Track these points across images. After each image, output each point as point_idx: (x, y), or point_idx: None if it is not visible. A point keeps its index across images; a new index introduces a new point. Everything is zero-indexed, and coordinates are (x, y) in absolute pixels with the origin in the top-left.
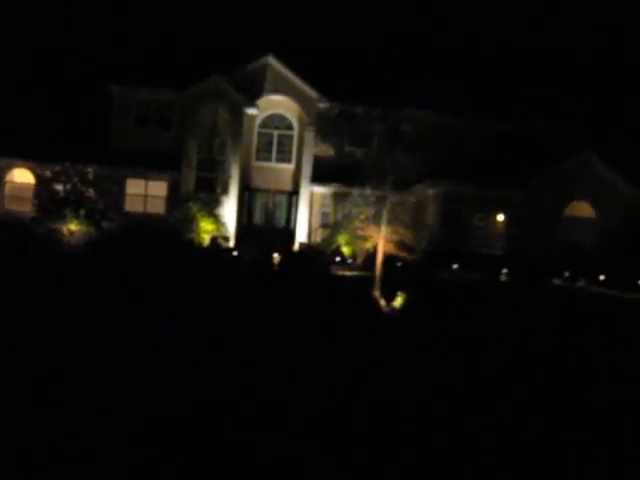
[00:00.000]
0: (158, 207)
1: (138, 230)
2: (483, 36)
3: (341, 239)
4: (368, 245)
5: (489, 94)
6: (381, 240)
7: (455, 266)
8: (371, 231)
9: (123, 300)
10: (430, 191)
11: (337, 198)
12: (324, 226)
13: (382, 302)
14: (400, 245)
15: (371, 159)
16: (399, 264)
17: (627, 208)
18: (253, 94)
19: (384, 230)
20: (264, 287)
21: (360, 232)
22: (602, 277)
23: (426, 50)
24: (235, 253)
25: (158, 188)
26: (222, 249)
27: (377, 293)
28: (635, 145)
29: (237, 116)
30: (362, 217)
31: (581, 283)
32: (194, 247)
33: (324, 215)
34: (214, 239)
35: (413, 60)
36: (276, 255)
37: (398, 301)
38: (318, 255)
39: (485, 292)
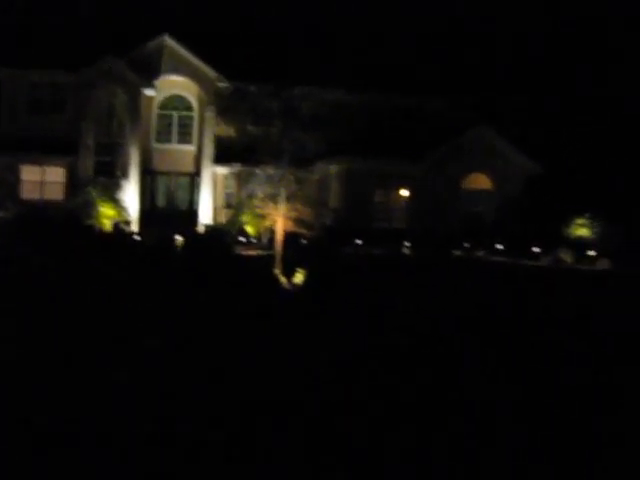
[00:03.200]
0: (57, 193)
1: (35, 217)
2: (379, 13)
3: (245, 219)
4: (267, 223)
5: (385, 70)
6: (280, 218)
7: (358, 241)
8: (270, 209)
9: (17, 286)
10: (332, 168)
11: (240, 178)
12: (228, 207)
13: (283, 279)
14: (300, 222)
15: (270, 138)
16: (304, 242)
17: (524, 179)
18: (150, 75)
19: (282, 208)
20: (165, 269)
21: (259, 211)
22: (500, 246)
23: (320, 26)
24: (137, 237)
25: (55, 174)
26: (124, 234)
27: (278, 271)
28: (532, 118)
29: (135, 98)
30: (261, 196)
31: (480, 253)
32: (94, 232)
33: (228, 196)
34: (116, 224)
35: (308, 37)
36: (179, 237)
37: (299, 277)
38: (222, 236)
39: (387, 265)
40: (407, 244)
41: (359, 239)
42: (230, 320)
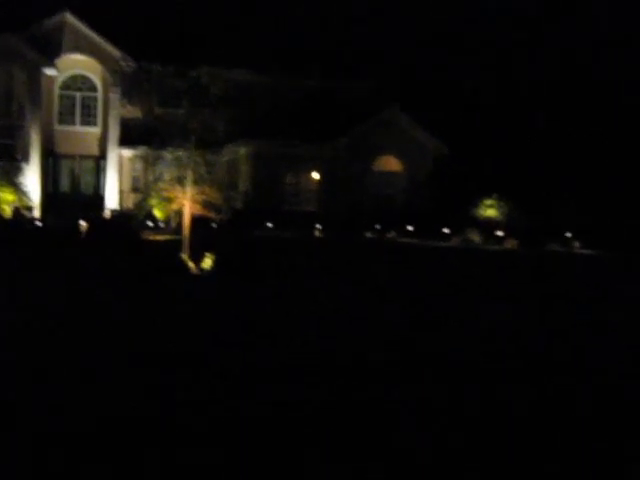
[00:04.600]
0: None
1: None
2: None
3: (152, 203)
4: (175, 207)
5: (295, 52)
6: (187, 201)
7: (269, 224)
8: (177, 193)
9: None
10: (241, 150)
11: (147, 161)
12: (135, 190)
13: (191, 264)
14: (209, 206)
15: (177, 119)
16: (213, 225)
17: (433, 161)
18: (51, 54)
19: (190, 191)
20: (69, 256)
21: (166, 194)
22: (410, 228)
23: (228, 6)
24: (40, 223)
25: None
26: (25, 219)
27: (185, 255)
28: (440, 101)
29: (34, 77)
30: (168, 179)
31: (391, 235)
32: None
33: (135, 179)
34: (16, 209)
35: (216, 16)
36: (83, 223)
37: (207, 262)
38: (129, 221)
39: (297, 249)
40: (318, 227)
41: (270, 222)
42: (131, 306)
